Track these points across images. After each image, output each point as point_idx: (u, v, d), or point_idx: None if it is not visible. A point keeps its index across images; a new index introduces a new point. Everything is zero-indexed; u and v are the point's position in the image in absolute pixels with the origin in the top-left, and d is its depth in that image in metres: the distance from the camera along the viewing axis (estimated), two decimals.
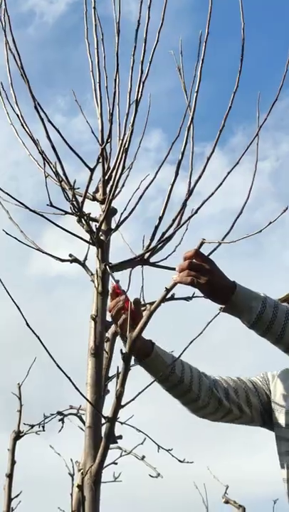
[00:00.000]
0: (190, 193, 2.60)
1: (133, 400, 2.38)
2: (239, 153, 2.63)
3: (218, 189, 2.55)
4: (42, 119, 2.59)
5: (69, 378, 2.22)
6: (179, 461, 3.51)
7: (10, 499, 3.50)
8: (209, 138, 3.13)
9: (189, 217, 2.64)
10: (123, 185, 2.83)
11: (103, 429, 2.44)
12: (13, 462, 3.63)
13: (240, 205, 2.71)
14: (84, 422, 3.56)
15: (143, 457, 3.54)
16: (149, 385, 2.53)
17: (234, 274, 2.39)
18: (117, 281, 2.38)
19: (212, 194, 2.55)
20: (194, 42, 2.88)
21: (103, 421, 2.49)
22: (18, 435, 3.68)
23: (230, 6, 2.73)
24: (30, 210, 2.63)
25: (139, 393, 2.39)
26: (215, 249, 2.69)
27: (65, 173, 2.72)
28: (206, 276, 2.10)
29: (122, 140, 2.70)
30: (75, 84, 3.30)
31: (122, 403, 2.27)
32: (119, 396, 2.25)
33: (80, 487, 2.35)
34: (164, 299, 2.22)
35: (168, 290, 2.22)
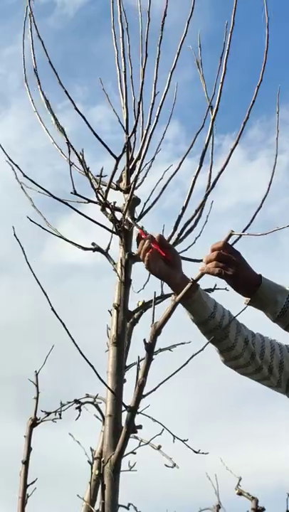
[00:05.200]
0: (212, 185, 2.60)
1: (154, 390, 2.39)
2: (256, 146, 2.64)
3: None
4: (76, 109, 2.59)
5: (92, 366, 2.23)
6: (195, 451, 3.50)
7: (26, 486, 3.50)
8: (226, 130, 3.13)
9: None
10: (146, 175, 2.84)
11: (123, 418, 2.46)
12: (29, 449, 3.62)
13: (255, 198, 2.71)
14: (100, 411, 3.59)
15: (159, 447, 3.53)
16: (171, 376, 2.54)
17: None
18: (142, 228, 2.35)
19: None
20: (211, 34, 2.88)
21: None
22: (34, 422, 3.68)
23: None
24: (55, 197, 2.63)
25: (161, 383, 2.40)
26: (236, 240, 2.69)
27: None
28: (233, 268, 2.10)
29: (147, 130, 2.70)
30: (94, 75, 3.30)
31: (144, 393, 2.28)
32: (141, 386, 2.26)
33: (100, 475, 2.37)
34: (189, 290, 2.22)
35: (194, 281, 2.22)
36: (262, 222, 2.90)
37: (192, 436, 3.48)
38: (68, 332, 2.24)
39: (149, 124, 2.71)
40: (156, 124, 2.70)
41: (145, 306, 3.09)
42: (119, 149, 2.79)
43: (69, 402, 3.76)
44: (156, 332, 2.28)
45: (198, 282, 2.16)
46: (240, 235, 2.61)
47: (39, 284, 2.24)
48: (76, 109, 2.61)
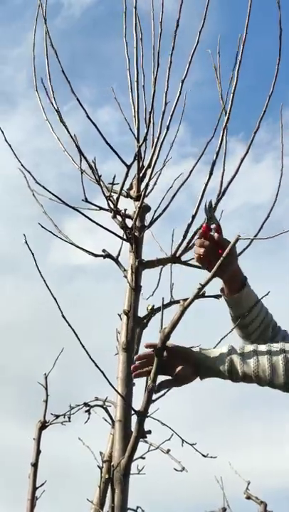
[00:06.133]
0: (223, 193, 2.62)
1: (164, 394, 2.41)
2: (262, 149, 2.65)
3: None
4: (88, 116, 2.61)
5: (102, 371, 2.25)
6: (203, 455, 3.51)
7: (35, 488, 3.52)
8: (233, 132, 3.13)
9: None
10: (155, 183, 2.87)
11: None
12: (38, 451, 3.65)
13: (261, 200, 2.73)
14: (110, 414, 3.60)
15: (168, 451, 3.55)
16: None
17: (256, 272, 2.40)
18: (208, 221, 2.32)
19: None
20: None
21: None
22: (43, 425, 3.71)
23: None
24: (67, 204, 2.66)
25: (170, 388, 2.42)
26: (248, 245, 2.70)
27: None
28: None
29: (158, 139, 2.73)
30: (101, 76, 3.33)
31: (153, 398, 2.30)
32: (150, 391, 2.27)
33: (110, 479, 2.39)
34: (197, 296, 2.24)
35: (202, 286, 2.25)
36: (268, 224, 2.91)
37: (199, 439, 3.50)
38: (78, 337, 2.25)
39: (160, 132, 2.74)
40: (167, 132, 2.72)
41: (154, 311, 3.11)
42: (126, 152, 2.82)
43: (78, 405, 3.77)
44: (165, 337, 2.29)
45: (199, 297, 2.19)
46: (250, 240, 2.64)
47: (48, 288, 2.24)
48: (88, 116, 2.65)
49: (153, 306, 3.19)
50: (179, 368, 2.15)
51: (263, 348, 2.07)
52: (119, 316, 3.13)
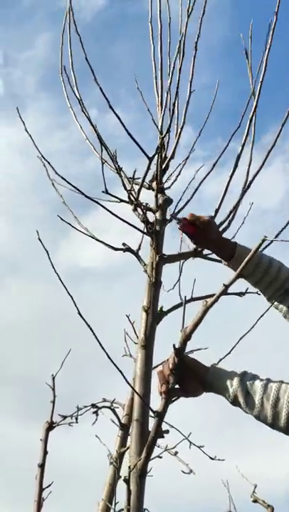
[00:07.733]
0: (249, 184, 2.58)
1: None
2: (272, 152, 2.63)
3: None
4: (115, 113, 2.58)
5: (120, 372, 2.18)
6: (211, 458, 3.46)
7: (41, 489, 3.47)
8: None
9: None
10: (178, 175, 2.82)
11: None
12: (45, 452, 3.60)
13: (270, 204, 2.72)
14: (117, 416, 3.53)
15: (176, 453, 3.48)
16: None
17: None
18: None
19: None
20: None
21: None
22: (50, 426, 3.65)
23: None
24: (86, 196, 2.61)
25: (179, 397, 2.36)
26: (268, 245, 2.66)
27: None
28: None
29: (181, 130, 2.68)
30: (110, 80, 3.30)
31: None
32: (170, 391, 2.21)
33: (126, 480, 2.32)
34: (222, 294, 2.18)
35: (227, 286, 2.19)
36: (278, 228, 2.88)
37: (206, 442, 3.45)
38: (95, 335, 2.19)
39: (184, 122, 2.70)
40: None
41: (163, 313, 3.04)
42: (133, 155, 2.79)
43: (85, 406, 3.72)
44: (186, 337, 2.24)
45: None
46: (270, 241, 2.59)
47: (65, 287, 2.20)
48: (110, 106, 2.60)
49: (162, 307, 3.13)
50: (189, 382, 2.19)
51: (272, 391, 2.04)
52: (127, 316, 3.07)
